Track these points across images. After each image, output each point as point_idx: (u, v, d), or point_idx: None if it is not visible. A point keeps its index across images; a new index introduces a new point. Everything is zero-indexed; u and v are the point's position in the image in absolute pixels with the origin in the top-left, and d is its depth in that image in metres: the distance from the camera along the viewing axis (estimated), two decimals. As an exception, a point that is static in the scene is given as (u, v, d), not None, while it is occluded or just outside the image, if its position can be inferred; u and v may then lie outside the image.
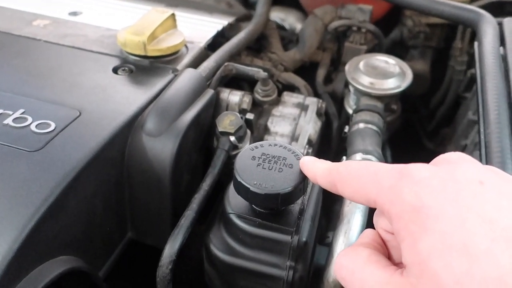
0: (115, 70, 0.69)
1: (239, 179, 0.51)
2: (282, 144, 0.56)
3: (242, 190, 0.52)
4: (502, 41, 0.65)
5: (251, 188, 0.50)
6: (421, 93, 1.06)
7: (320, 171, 0.44)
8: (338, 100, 0.87)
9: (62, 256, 0.51)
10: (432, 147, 1.12)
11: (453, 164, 0.34)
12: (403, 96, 1.06)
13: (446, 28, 1.03)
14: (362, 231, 0.57)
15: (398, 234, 0.32)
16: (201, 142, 0.68)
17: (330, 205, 0.76)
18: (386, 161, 1.06)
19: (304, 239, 0.52)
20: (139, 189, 0.61)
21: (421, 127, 1.23)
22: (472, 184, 0.31)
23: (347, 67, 0.77)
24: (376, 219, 0.40)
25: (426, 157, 1.08)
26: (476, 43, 0.67)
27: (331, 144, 0.80)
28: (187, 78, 0.67)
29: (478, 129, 0.55)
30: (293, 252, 0.52)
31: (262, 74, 0.72)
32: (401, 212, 0.32)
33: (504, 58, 0.63)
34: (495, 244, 0.28)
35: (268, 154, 0.54)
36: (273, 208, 0.54)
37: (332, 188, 0.41)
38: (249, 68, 0.73)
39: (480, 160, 0.52)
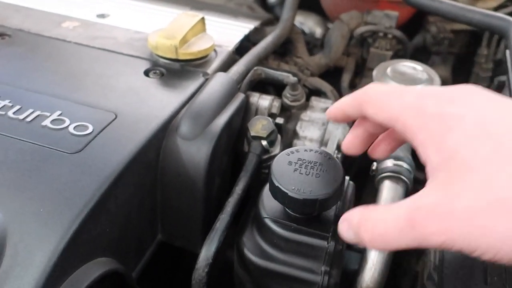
0: (146, 73, 0.70)
1: (276, 184, 0.52)
2: (318, 149, 0.56)
3: (279, 195, 0.52)
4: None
5: (289, 193, 0.51)
6: None
7: (346, 99, 0.45)
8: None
9: (101, 258, 0.51)
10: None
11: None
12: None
13: (469, 34, 1.03)
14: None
15: (422, 145, 0.35)
16: (231, 146, 0.69)
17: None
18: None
19: (340, 246, 0.52)
20: (172, 192, 0.61)
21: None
22: (489, 97, 0.35)
23: (374, 72, 0.77)
24: None
25: None
26: (508, 51, 0.67)
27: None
28: (219, 82, 0.67)
29: None
30: (329, 257, 0.53)
31: (292, 79, 0.72)
32: (425, 122, 0.35)
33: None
34: None
35: (304, 159, 0.55)
36: (310, 213, 0.55)
37: (357, 111, 0.43)
38: (279, 72, 0.73)
39: None
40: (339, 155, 0.70)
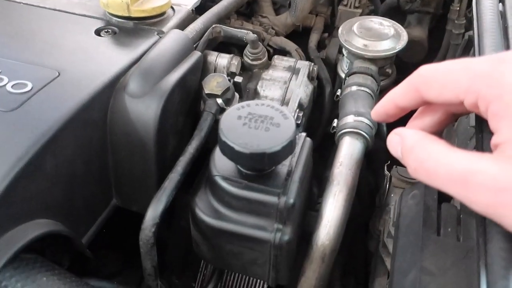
0: (97, 32, 0.67)
1: (223, 139, 0.49)
2: (269, 103, 0.53)
3: (227, 150, 0.50)
4: (501, -2, 0.62)
5: (236, 148, 0.48)
6: (418, 61, 1.03)
7: (397, 89, 0.42)
8: (332, 66, 0.84)
9: (42, 219, 0.49)
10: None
11: None
12: (401, 64, 1.03)
13: (444, -7, 0.99)
14: (352, 194, 0.55)
15: (495, 116, 0.33)
16: (188, 106, 0.66)
17: (323, 172, 0.74)
18: (380, 129, 1.05)
19: (291, 200, 0.50)
20: (122, 153, 0.59)
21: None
22: None
23: (340, 29, 0.74)
24: None
25: None
26: (474, 1, 0.64)
27: (324, 110, 0.78)
28: (172, 39, 0.64)
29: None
30: (280, 214, 0.51)
31: (251, 36, 0.69)
32: (501, 93, 0.32)
33: (503, 15, 0.60)
34: None
35: (254, 114, 0.52)
36: (260, 169, 0.52)
37: (414, 99, 0.40)
38: (238, 30, 0.70)
39: (475, 123, 0.50)
40: (301, 114, 0.67)
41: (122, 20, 0.69)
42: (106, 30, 0.67)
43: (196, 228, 0.56)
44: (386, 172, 0.62)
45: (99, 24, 0.69)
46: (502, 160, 0.31)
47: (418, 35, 1.00)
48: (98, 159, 0.58)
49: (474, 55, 0.58)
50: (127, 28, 0.68)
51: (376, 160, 1.03)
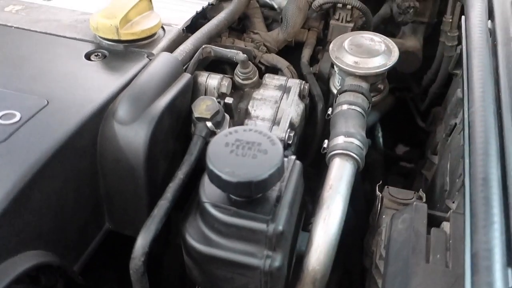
0: (87, 56, 0.67)
1: (211, 167, 0.49)
2: (257, 129, 0.53)
3: (215, 178, 0.50)
4: (490, 15, 0.62)
5: (223, 176, 0.48)
6: (413, 71, 1.03)
7: None
8: (325, 80, 0.84)
9: (32, 250, 0.49)
10: (425, 126, 1.09)
11: None
12: (396, 75, 1.02)
13: (438, 2, 0.99)
14: (342, 216, 0.55)
15: None
16: (179, 129, 0.66)
17: (316, 190, 0.74)
18: (376, 142, 1.05)
19: (280, 227, 0.50)
20: (113, 178, 0.59)
21: (414, 106, 1.20)
22: None
23: (331, 46, 0.74)
24: None
25: (419, 137, 1.05)
26: (463, 17, 0.63)
27: (317, 126, 0.78)
28: (161, 62, 0.64)
29: (462, 108, 0.53)
30: (269, 241, 0.51)
31: (241, 56, 0.69)
32: None
33: (492, 33, 0.59)
34: None
35: (242, 140, 0.52)
36: (248, 196, 0.52)
37: None
38: (228, 50, 0.70)
39: (463, 141, 0.50)
40: (292, 133, 0.67)
41: (112, 43, 0.69)
42: (96, 54, 0.67)
43: (187, 254, 0.56)
44: (378, 192, 0.62)
45: (89, 47, 0.69)
46: None
47: (413, 45, 1.00)
48: (88, 186, 0.58)
49: (462, 74, 0.58)
50: (117, 51, 0.68)
51: (373, 171, 1.03)
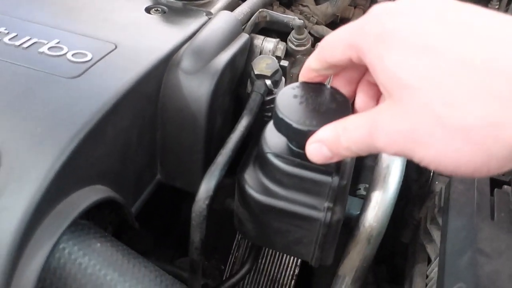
0: (147, 10, 0.68)
1: (281, 116, 0.50)
2: (324, 85, 0.54)
3: (284, 127, 0.50)
4: None
5: (294, 125, 0.49)
6: None
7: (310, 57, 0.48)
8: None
9: (99, 185, 0.50)
10: None
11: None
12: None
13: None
14: (401, 177, 0.56)
15: (371, 66, 0.35)
16: (234, 87, 0.67)
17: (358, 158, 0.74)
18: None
19: (344, 181, 0.51)
20: (173, 128, 0.60)
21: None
22: (428, 11, 0.33)
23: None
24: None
25: None
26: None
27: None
28: (222, 20, 0.65)
29: None
30: (332, 193, 0.51)
31: (298, 21, 0.70)
32: (369, 43, 0.35)
33: None
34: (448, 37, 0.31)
35: (310, 93, 0.53)
36: (314, 148, 0.53)
37: (321, 61, 0.46)
38: (284, 15, 0.71)
39: None
40: (344, 101, 0.68)
41: (172, 0, 0.70)
42: (155, 9, 0.68)
43: (244, 205, 0.57)
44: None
45: (148, 2, 0.70)
46: (387, 107, 0.34)
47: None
48: (149, 133, 0.59)
49: None
50: (176, 8, 0.69)
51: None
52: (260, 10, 0.71)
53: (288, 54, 0.73)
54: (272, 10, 0.82)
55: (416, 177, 0.71)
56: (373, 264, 0.75)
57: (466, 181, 0.52)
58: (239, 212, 0.59)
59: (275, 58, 0.63)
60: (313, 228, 0.53)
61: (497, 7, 0.91)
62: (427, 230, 0.59)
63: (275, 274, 0.79)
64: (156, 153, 0.62)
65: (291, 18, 0.70)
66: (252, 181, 0.55)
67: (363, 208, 0.55)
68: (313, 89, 0.53)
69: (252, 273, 0.80)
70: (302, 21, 0.70)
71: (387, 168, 0.55)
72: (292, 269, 0.75)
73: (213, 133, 0.62)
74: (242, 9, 0.70)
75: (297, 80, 0.72)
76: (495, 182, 0.51)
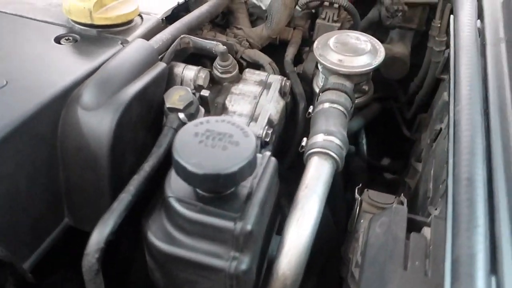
0: (57, 40, 0.63)
1: (176, 157, 0.46)
2: (230, 120, 0.50)
3: (180, 170, 0.46)
4: (480, 15, 0.59)
5: (189, 167, 0.45)
6: (400, 78, 1.00)
7: None
8: (309, 81, 0.81)
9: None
10: (410, 134, 1.07)
11: None
12: (382, 81, 0.99)
13: (427, 9, 0.97)
14: (317, 218, 0.52)
15: None
16: (151, 120, 0.62)
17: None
18: (359, 149, 1.02)
19: (248, 226, 0.46)
20: (74, 169, 0.55)
21: (400, 115, 1.17)
22: None
23: (315, 43, 0.71)
24: None
25: (404, 148, 1.01)
26: (452, 17, 0.61)
27: (297, 127, 0.74)
28: (134, 49, 0.61)
29: (448, 110, 0.50)
30: (236, 241, 0.47)
31: (221, 47, 0.65)
32: None
33: (481, 32, 0.57)
34: None
35: (213, 131, 0.48)
36: (217, 191, 0.49)
37: None
38: (207, 41, 0.67)
39: (448, 141, 0.47)
40: (270, 131, 0.64)
41: (85, 28, 0.65)
42: (67, 38, 0.63)
43: (149, 253, 0.52)
44: (357, 195, 0.58)
45: (60, 31, 0.65)
46: None
47: (400, 51, 0.98)
48: (46, 176, 0.53)
49: (449, 73, 0.55)
50: (90, 36, 0.65)
51: (356, 179, 1.00)
52: (182, 36, 0.66)
53: (214, 82, 0.69)
54: (202, 33, 0.78)
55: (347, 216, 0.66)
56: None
57: (384, 223, 0.48)
58: (148, 260, 0.53)
59: (189, 89, 0.59)
60: (220, 279, 0.48)
61: (438, 25, 0.88)
62: (353, 274, 0.54)
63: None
64: (61, 196, 0.57)
65: (214, 44, 0.66)
66: (156, 227, 0.51)
67: (277, 253, 0.50)
68: (218, 126, 0.49)
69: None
70: (225, 47, 0.66)
71: (301, 209, 0.51)
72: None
73: (123, 173, 0.57)
74: (162, 36, 0.66)
75: (221, 110, 0.68)
76: (413, 223, 0.47)
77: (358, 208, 0.57)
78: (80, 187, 0.56)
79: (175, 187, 0.49)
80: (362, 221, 0.55)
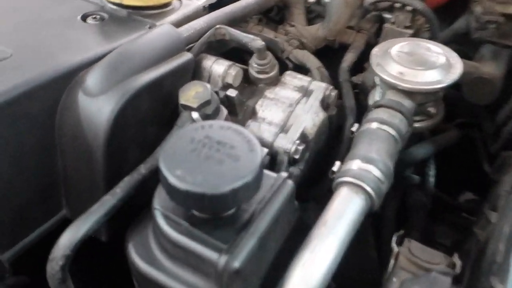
0: (84, 17, 0.58)
1: (161, 165, 0.38)
2: (238, 128, 0.41)
3: (163, 180, 0.38)
4: None
5: (170, 179, 0.36)
6: (487, 103, 0.84)
7: None
8: (367, 94, 0.69)
9: None
10: (490, 173, 0.89)
11: None
12: (463, 105, 0.84)
13: (530, 24, 0.80)
14: (331, 268, 0.40)
15: None
16: (167, 116, 0.55)
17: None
18: (425, 181, 0.87)
19: (236, 263, 0.37)
20: (70, 158, 0.49)
21: (483, 147, 0.99)
22: None
23: (375, 49, 0.59)
24: None
25: (481, 184, 0.82)
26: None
27: (341, 146, 0.63)
28: (157, 34, 0.54)
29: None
30: (219, 277, 0.37)
31: (258, 43, 0.56)
32: None
33: None
34: None
35: (212, 138, 0.40)
36: (206, 212, 0.40)
37: None
38: (244, 34, 0.58)
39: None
40: (301, 147, 0.53)
41: (115, 7, 0.60)
42: (94, 16, 0.59)
43: (132, 270, 0.44)
44: (393, 245, 0.46)
45: (91, 8, 0.60)
46: None
47: (490, 72, 0.81)
48: (36, 162, 0.48)
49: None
50: (119, 17, 0.59)
51: (412, 216, 0.85)
52: (217, 26, 0.58)
53: (250, 82, 0.60)
54: (247, 27, 0.69)
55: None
56: None
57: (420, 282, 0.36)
58: (133, 275, 0.46)
59: (208, 86, 0.50)
60: (197, 319, 0.39)
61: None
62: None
63: None
64: (58, 185, 0.52)
65: (251, 38, 0.57)
66: (139, 241, 0.43)
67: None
68: (219, 133, 0.40)
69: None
70: (263, 43, 0.56)
71: (312, 251, 0.40)
72: None
73: (123, 169, 0.51)
74: (195, 24, 0.59)
75: (250, 114, 0.59)
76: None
77: (394, 262, 0.45)
78: (76, 178, 0.51)
79: (166, 198, 0.41)
80: (394, 280, 0.43)
